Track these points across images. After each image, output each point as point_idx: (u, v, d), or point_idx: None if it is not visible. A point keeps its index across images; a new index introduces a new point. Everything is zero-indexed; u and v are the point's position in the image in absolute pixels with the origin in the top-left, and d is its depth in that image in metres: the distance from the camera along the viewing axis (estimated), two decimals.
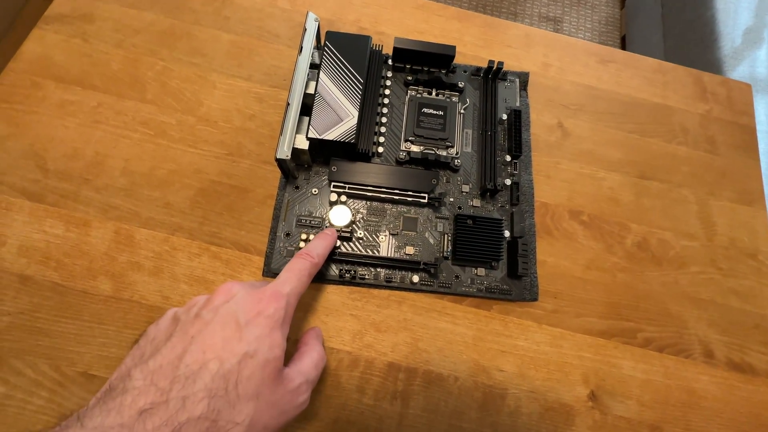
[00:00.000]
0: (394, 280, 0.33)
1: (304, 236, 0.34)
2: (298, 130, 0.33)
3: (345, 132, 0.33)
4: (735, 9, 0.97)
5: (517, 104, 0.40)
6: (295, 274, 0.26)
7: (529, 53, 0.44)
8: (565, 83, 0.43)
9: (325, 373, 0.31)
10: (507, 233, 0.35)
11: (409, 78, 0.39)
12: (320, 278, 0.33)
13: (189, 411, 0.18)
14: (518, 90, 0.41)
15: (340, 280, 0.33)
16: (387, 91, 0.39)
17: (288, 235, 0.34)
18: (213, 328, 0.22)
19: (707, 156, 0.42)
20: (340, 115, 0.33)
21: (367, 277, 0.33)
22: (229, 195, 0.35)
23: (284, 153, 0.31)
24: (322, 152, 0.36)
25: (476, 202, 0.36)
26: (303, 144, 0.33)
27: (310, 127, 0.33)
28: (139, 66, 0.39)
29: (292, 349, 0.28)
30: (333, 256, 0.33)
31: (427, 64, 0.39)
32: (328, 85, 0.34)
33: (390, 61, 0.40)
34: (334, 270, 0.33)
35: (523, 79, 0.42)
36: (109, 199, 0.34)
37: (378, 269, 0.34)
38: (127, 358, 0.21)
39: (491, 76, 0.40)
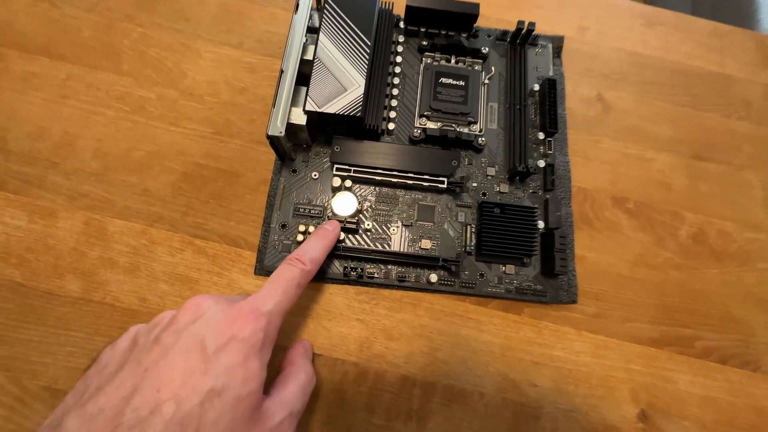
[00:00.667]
0: (407, 279, 0.28)
1: (302, 228, 0.29)
2: (294, 103, 0.28)
3: (350, 104, 0.27)
4: None
5: (551, 73, 0.35)
6: (280, 285, 0.22)
7: (562, 16, 0.38)
8: (605, 49, 0.37)
9: (328, 388, 0.26)
10: (541, 224, 0.30)
11: (424, 43, 0.33)
12: (321, 276, 0.28)
13: None
14: (551, 57, 0.35)
15: (345, 279, 0.28)
16: (398, 59, 0.33)
17: (284, 226, 0.29)
18: (172, 358, 0.17)
19: None
20: (343, 84, 0.28)
21: (376, 275, 0.28)
22: (216, 180, 0.31)
23: (277, 129, 0.26)
24: (323, 129, 0.31)
25: (504, 188, 0.31)
26: (300, 119, 0.27)
27: (308, 98, 0.27)
28: (113, 33, 0.34)
29: (274, 374, 0.24)
30: (336, 251, 0.28)
31: (446, 26, 0.33)
32: (329, 49, 0.29)
33: (402, 24, 0.34)
34: (338, 267, 0.28)
35: (557, 44, 0.36)
36: (78, 186, 0.30)
37: (389, 266, 0.29)
38: (69, 395, 0.17)
39: (520, 40, 0.34)
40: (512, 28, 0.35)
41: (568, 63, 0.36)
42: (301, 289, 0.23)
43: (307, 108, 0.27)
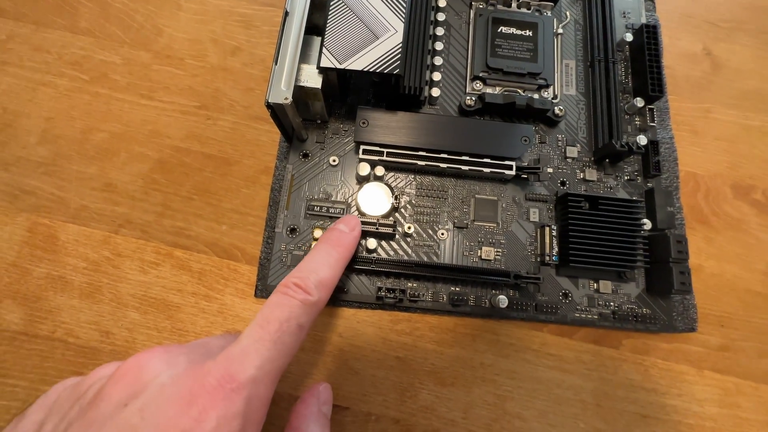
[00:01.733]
0: (464, 301, 0.21)
1: (318, 233, 0.21)
2: (304, 59, 0.20)
3: (383, 57, 0.19)
4: None
5: (643, 19, 0.26)
6: (269, 332, 0.14)
7: None
8: None
9: None
10: (647, 223, 0.22)
11: None
12: (345, 299, 0.21)
13: None
14: None
15: (379, 304, 0.21)
16: (441, 2, 0.25)
17: (293, 231, 0.21)
18: None
19: None
20: (372, 30, 0.20)
21: (421, 297, 0.21)
22: (202, 170, 0.23)
23: (282, 94, 0.18)
24: (344, 96, 0.23)
25: (590, 174, 0.23)
26: (313, 80, 0.19)
27: (324, 50, 0.19)
28: None
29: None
30: (365, 263, 0.20)
31: None
32: None
33: None
34: (369, 287, 0.21)
35: None
36: (20, 180, 0.22)
37: (438, 284, 0.21)
38: None
39: None
40: None
41: (662, 7, 0.27)
42: (305, 333, 0.15)
43: (322, 64, 0.19)
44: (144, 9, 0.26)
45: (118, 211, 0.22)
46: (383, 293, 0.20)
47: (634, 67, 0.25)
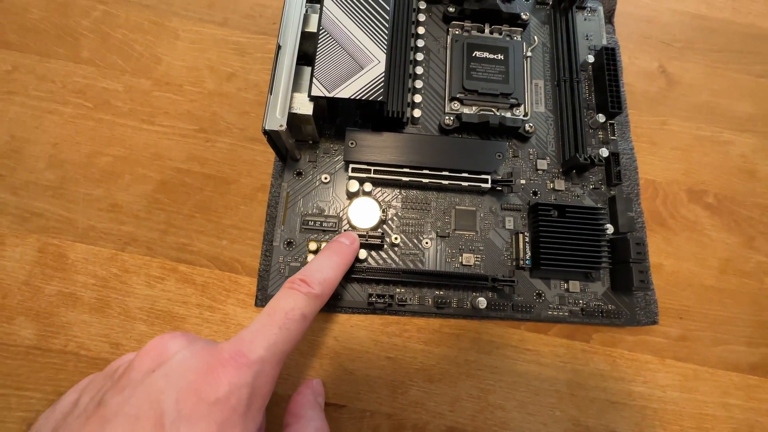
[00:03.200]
0: (448, 304, 0.23)
1: (313, 246, 0.23)
2: (296, 88, 0.22)
3: (368, 85, 0.21)
4: None
5: (604, 42, 0.29)
6: (276, 319, 0.16)
7: None
8: (663, 13, 0.31)
9: None
10: (609, 228, 0.24)
11: (451, 10, 0.27)
12: (339, 305, 0.22)
13: None
14: (602, 23, 0.29)
15: (370, 309, 0.23)
16: (420, 30, 0.27)
17: (290, 244, 0.23)
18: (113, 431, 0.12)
19: None
20: (358, 61, 0.22)
21: (408, 301, 0.23)
22: (202, 189, 0.25)
23: (277, 122, 0.20)
24: (333, 118, 0.25)
25: (559, 184, 0.25)
26: (305, 107, 0.21)
27: (315, 80, 0.21)
28: (69, 12, 0.28)
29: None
30: (357, 273, 0.22)
31: None
32: (337, 16, 0.22)
33: None
34: (360, 293, 0.23)
35: (609, 7, 0.30)
36: (30, 203, 0.24)
37: (424, 290, 0.23)
38: None
39: (566, 3, 0.28)
40: None
41: (621, 30, 0.30)
42: (307, 323, 0.17)
43: (313, 93, 0.21)
44: (143, 39, 0.27)
45: (124, 229, 0.24)
46: (374, 299, 0.22)
47: (596, 85, 0.27)
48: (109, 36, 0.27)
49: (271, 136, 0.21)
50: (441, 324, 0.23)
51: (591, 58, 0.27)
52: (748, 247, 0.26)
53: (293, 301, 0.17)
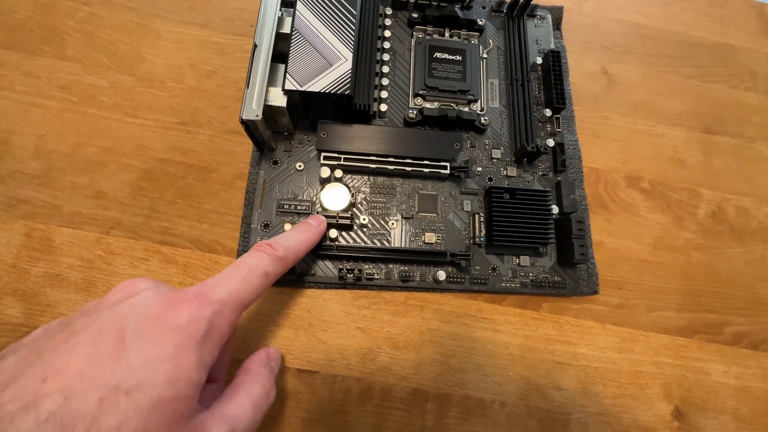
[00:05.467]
0: (412, 278, 0.25)
1: (288, 227, 0.25)
2: (271, 82, 0.24)
3: (336, 80, 0.24)
4: None
5: (552, 46, 0.32)
6: (240, 271, 0.18)
7: None
8: (605, 21, 0.35)
9: (328, 410, 0.23)
10: (555, 209, 0.27)
11: (415, 15, 0.30)
12: (312, 281, 0.24)
13: None
14: (551, 29, 0.32)
15: (341, 283, 0.25)
16: (386, 33, 0.30)
17: (266, 226, 0.25)
18: (76, 342, 0.14)
19: None
20: (327, 59, 0.24)
21: (376, 276, 0.25)
22: (184, 177, 0.26)
23: (253, 112, 0.23)
24: (307, 112, 0.27)
25: (511, 171, 0.28)
26: (279, 100, 0.24)
27: (288, 75, 0.24)
28: (55, 13, 0.29)
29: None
30: (329, 250, 0.24)
31: None
32: (308, 19, 0.25)
33: None
34: (332, 269, 0.25)
35: (556, 15, 0.33)
36: (17, 191, 0.25)
37: (390, 265, 0.25)
38: None
39: (518, 11, 0.31)
40: None
41: (567, 36, 0.34)
42: (269, 281, 0.19)
43: (286, 87, 0.23)
44: (127, 39, 0.29)
45: (109, 215, 0.25)
46: (344, 273, 0.24)
47: (545, 84, 0.30)
48: (93, 35, 0.29)
49: (248, 126, 0.23)
50: (406, 297, 0.25)
51: (539, 60, 0.31)
52: (678, 226, 0.29)
53: (258, 259, 0.19)
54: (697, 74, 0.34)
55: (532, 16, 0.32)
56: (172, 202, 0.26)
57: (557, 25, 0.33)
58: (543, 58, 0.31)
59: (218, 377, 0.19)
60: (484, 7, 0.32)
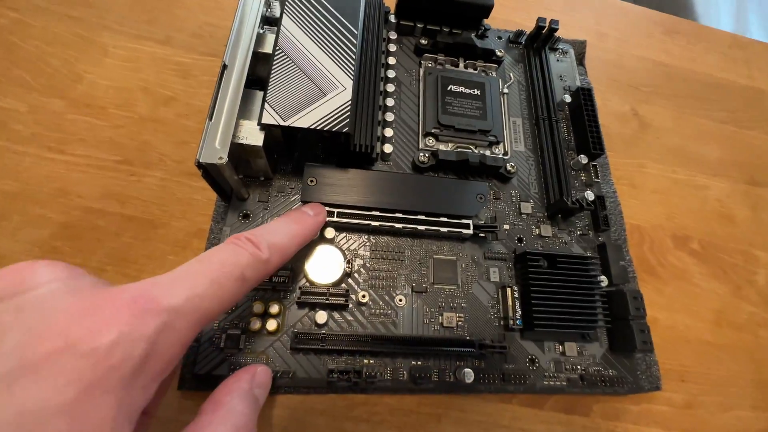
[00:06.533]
0: (427, 377, 0.18)
1: (259, 308, 0.18)
2: (244, 114, 0.18)
3: (331, 114, 0.18)
4: None
5: (578, 82, 0.28)
6: (208, 269, 0.12)
7: (576, 19, 0.32)
8: (628, 58, 0.32)
9: None
10: (603, 280, 0.22)
11: (423, 42, 0.25)
12: (289, 386, 0.18)
13: None
14: (575, 64, 0.28)
15: (331, 387, 0.18)
16: (391, 60, 0.25)
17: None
18: None
19: None
20: (320, 86, 0.19)
21: (379, 375, 0.18)
22: (119, 234, 0.20)
23: (215, 154, 0.16)
24: (290, 151, 0.21)
25: (545, 230, 0.23)
26: (254, 137, 0.18)
27: (267, 106, 0.18)
28: None
29: None
30: (314, 342, 0.18)
31: (448, 21, 0.26)
32: (296, 37, 0.19)
33: (393, 18, 0.26)
34: (318, 369, 0.18)
35: (579, 49, 0.29)
36: None
37: (397, 359, 0.19)
38: None
39: (539, 43, 0.27)
40: (520, 29, 0.28)
41: (591, 73, 0.30)
42: (246, 288, 0.13)
43: (264, 121, 0.17)
44: (62, 53, 0.23)
45: None
46: (335, 376, 0.17)
47: (574, 126, 0.26)
48: (16, 47, 0.23)
49: (208, 171, 0.17)
50: (419, 402, 0.19)
51: (568, 98, 0.26)
52: (737, 296, 0.25)
53: (234, 257, 0.13)
54: (730, 119, 0.31)
55: (554, 49, 0.28)
56: (98, 270, 0.19)
57: (581, 60, 0.29)
58: (572, 96, 0.26)
59: (149, 409, 0.12)
60: (500, 37, 0.28)
